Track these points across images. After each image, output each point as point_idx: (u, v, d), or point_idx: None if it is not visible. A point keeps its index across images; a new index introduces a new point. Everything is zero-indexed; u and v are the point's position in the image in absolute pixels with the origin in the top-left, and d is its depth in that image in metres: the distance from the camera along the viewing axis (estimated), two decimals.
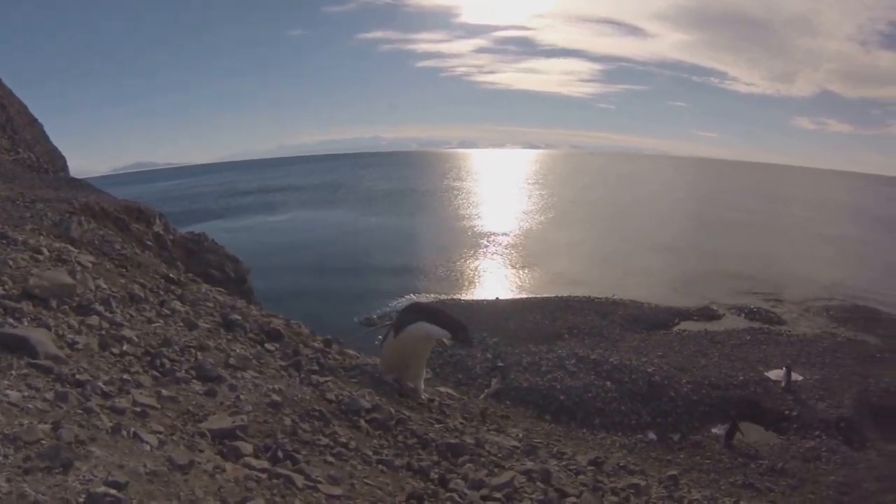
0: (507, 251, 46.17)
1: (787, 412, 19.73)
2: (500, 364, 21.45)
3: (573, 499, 5.69)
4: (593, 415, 18.82)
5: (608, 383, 19.97)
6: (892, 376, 22.69)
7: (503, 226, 57.42)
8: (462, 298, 31.63)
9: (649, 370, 20.85)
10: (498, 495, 5.10)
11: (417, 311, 7.92)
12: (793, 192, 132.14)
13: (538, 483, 5.88)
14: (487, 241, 49.38)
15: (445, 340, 7.81)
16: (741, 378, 21.32)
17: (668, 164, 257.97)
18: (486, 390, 19.58)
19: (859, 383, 21.76)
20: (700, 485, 14.23)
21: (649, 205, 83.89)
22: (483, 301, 31.22)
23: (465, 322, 8.15)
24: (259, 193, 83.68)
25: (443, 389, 12.12)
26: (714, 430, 18.63)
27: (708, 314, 30.59)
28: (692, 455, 16.94)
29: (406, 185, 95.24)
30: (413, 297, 30.86)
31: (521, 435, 8.90)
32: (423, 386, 8.16)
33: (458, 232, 53.17)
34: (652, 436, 18.12)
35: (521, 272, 39.68)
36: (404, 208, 67.59)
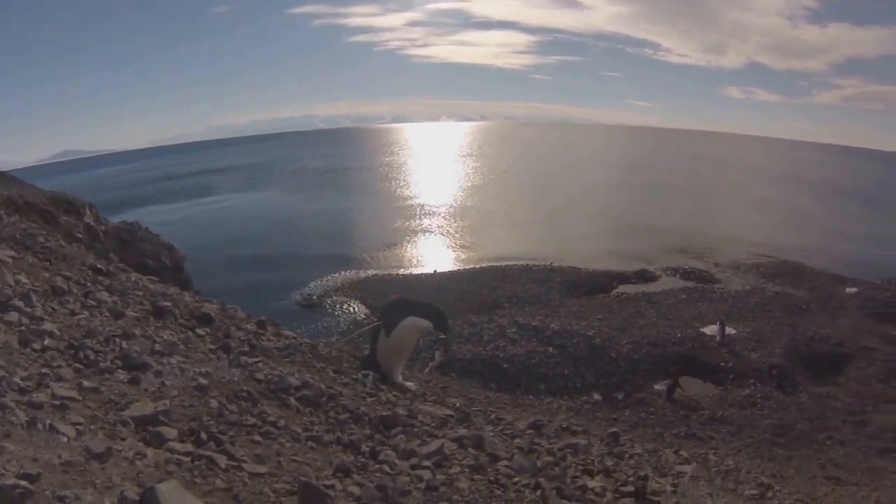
0: (443, 224, 46.16)
1: (723, 364, 20.59)
2: (442, 336, 21.37)
3: (505, 462, 5.84)
4: (538, 380, 19.08)
5: (550, 349, 20.28)
6: (818, 325, 24.08)
7: (438, 199, 57.32)
8: (400, 273, 31.53)
9: (590, 333, 21.28)
10: (427, 464, 5.19)
11: (403, 307, 8.55)
12: (723, 158, 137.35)
13: (470, 449, 6.02)
14: (423, 215, 49.23)
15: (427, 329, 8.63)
16: (678, 335, 22.08)
17: (602, 133, 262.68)
18: (430, 364, 19.61)
19: (788, 333, 22.96)
20: (644, 439, 14.70)
21: (584, 173, 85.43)
22: (421, 274, 31.19)
23: (444, 312, 9.15)
24: (193, 177, 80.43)
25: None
26: (656, 387, 19.21)
27: (645, 276, 31.46)
28: (637, 412, 17.49)
29: (340, 163, 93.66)
30: (352, 274, 30.60)
31: (458, 404, 9.03)
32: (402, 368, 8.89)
33: (393, 207, 52.85)
34: (597, 397, 18.55)
35: (457, 244, 39.81)
36: (339, 186, 66.60)
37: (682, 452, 10.83)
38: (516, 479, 5.55)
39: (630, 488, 6.18)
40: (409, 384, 8.96)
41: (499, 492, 5.12)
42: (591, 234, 41.75)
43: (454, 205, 54.93)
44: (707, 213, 53.26)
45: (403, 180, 74.40)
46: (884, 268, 36.02)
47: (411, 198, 59.27)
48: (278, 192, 63.36)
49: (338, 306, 25.87)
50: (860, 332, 23.58)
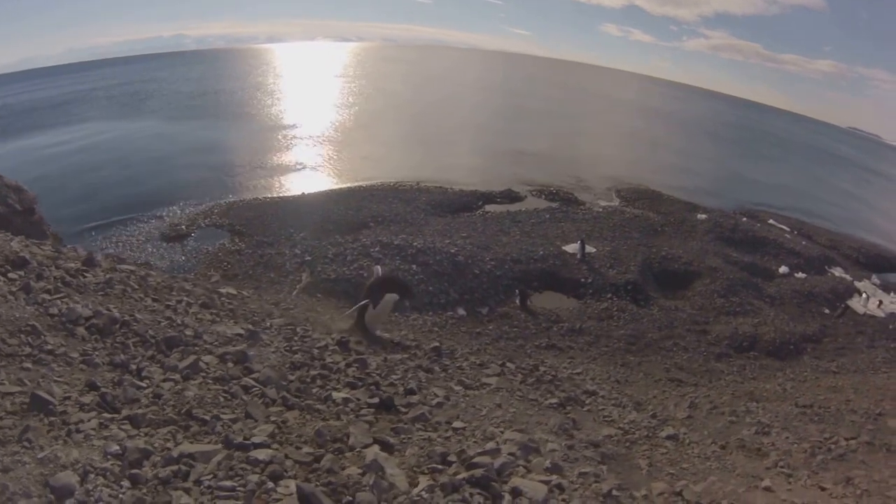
0: (314, 145, 44.37)
1: (582, 280, 21.75)
2: (308, 258, 21.10)
3: (255, 375, 6.44)
4: (402, 298, 19.21)
5: (414, 266, 20.32)
6: (670, 245, 26.04)
7: (311, 120, 54.82)
8: (269, 196, 30.12)
9: (452, 251, 21.51)
10: (176, 376, 5.83)
11: (383, 285, 11.58)
12: (597, 89, 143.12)
13: (229, 364, 6.58)
14: (295, 137, 46.96)
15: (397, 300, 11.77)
16: (541, 252, 22.88)
17: (481, 58, 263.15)
18: (297, 286, 19.27)
19: (644, 252, 24.59)
20: (504, 351, 15.28)
21: (460, 96, 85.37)
22: (289, 197, 30.08)
23: (405, 282, 13.66)
24: (48, 107, 70.51)
25: (223, 290, 12.02)
26: (516, 301, 20.03)
27: (510, 196, 32.17)
28: (500, 325, 18.05)
29: (214, 86, 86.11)
30: (221, 201, 28.93)
31: (275, 324, 9.66)
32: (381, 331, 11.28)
33: (265, 130, 49.92)
34: (461, 311, 18.92)
35: (327, 165, 38.58)
36: (211, 110, 61.30)
37: (509, 364, 11.32)
38: (255, 390, 6.06)
39: (376, 400, 6.61)
40: (384, 335, 11.55)
41: (223, 399, 5.57)
42: (461, 156, 42.05)
43: (326, 126, 52.90)
44: (576, 140, 55.29)
45: (276, 102, 70.39)
46: (731, 198, 40.00)
47: (284, 119, 56.34)
48: (144, 118, 57.27)
49: (205, 235, 24.49)
50: (707, 253, 25.86)
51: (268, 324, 9.63)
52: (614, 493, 5.67)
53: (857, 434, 8.58)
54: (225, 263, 21.13)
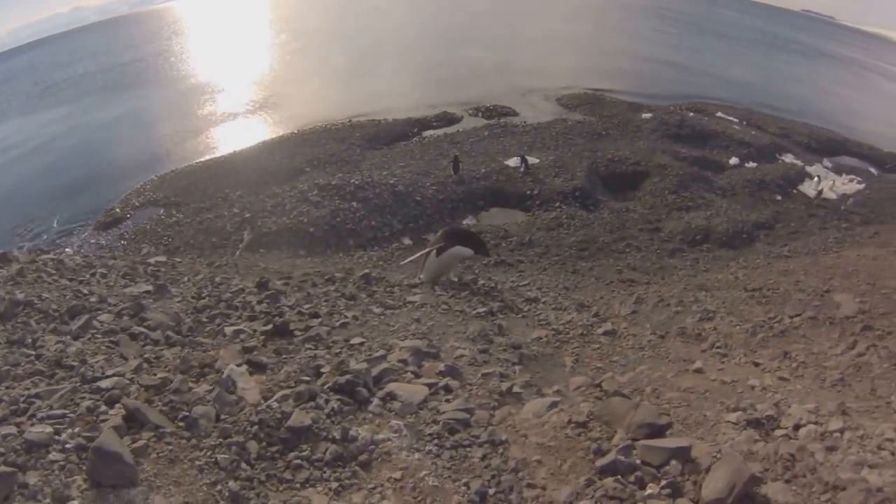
0: (238, 100, 42.70)
1: (528, 192, 21.76)
2: (248, 214, 20.77)
3: (148, 323, 6.50)
4: (346, 237, 18.94)
5: (354, 204, 20.07)
6: (616, 148, 26.10)
7: (231, 75, 52.45)
8: (200, 161, 29.16)
9: (391, 181, 21.29)
10: (66, 338, 5.84)
11: (453, 237, 10.77)
12: None
13: (125, 317, 6.66)
14: (217, 95, 45.13)
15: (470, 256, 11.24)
16: (483, 170, 22.80)
17: None
18: (240, 245, 19.02)
19: (589, 157, 24.59)
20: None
21: (380, 23, 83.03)
22: (220, 157, 29.22)
23: (482, 239, 12.33)
24: None
25: (152, 259, 11.90)
26: (465, 222, 20.09)
27: (446, 119, 31.83)
28: None
29: (122, 57, 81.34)
30: (153, 176, 27.90)
31: (194, 279, 9.65)
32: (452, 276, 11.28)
33: (186, 93, 47.41)
34: (407, 241, 18.83)
35: (254, 118, 37.48)
36: (125, 83, 57.49)
37: (442, 279, 11.35)
38: (141, 336, 6.11)
39: (269, 327, 6.52)
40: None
41: (105, 349, 5.62)
42: (391, 84, 41.34)
43: (247, 78, 50.70)
44: (509, 50, 54.19)
45: (191, 62, 66.94)
46: (677, 94, 39.92)
47: (202, 79, 53.42)
48: (54, 107, 53.42)
49: (142, 214, 23.71)
50: (654, 151, 25.94)
51: (185, 279, 9.42)
52: (516, 389, 5.42)
53: (802, 311, 8.59)
54: (165, 238, 20.52)
